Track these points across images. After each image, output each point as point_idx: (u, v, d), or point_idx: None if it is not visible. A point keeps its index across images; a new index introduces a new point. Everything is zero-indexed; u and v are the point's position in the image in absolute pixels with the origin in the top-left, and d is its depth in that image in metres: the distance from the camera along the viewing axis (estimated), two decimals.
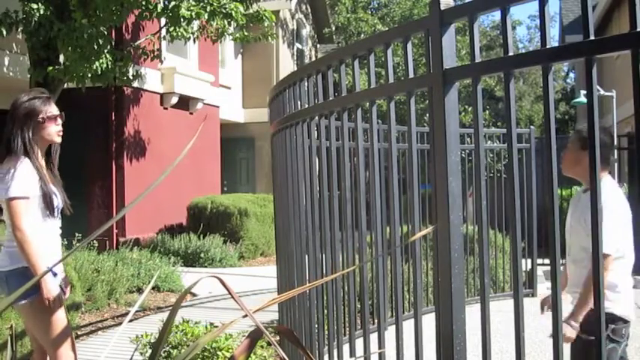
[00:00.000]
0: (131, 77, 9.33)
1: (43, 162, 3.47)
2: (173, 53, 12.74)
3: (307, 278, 3.36)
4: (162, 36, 10.05)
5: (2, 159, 3.35)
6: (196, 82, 13.28)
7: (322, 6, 20.11)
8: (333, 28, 20.41)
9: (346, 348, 2.95)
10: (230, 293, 1.28)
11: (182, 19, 8.63)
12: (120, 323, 7.21)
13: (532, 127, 9.48)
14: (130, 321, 6.98)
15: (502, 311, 6.39)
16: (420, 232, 2.20)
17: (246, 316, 1.16)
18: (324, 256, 3.10)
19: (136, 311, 7.63)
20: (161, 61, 10.50)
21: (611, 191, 2.88)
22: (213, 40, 10.50)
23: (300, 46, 19.69)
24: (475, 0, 1.87)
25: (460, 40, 15.90)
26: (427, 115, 2.25)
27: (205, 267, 11.12)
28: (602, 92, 10.57)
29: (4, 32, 7.85)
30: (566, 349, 4.04)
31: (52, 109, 3.46)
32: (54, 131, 3.46)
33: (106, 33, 8.34)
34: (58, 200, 3.47)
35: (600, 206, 1.62)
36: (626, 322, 2.99)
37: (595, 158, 1.62)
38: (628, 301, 2.99)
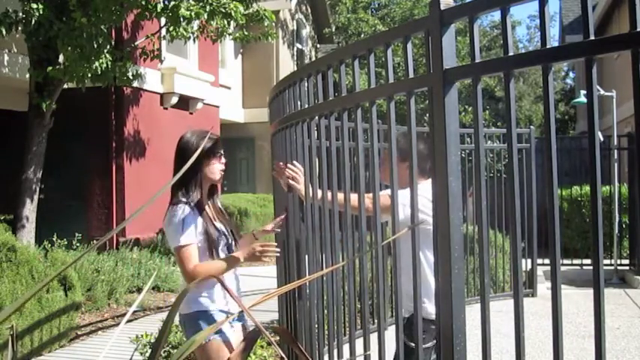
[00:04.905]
0: (131, 77, 9.32)
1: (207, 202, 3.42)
2: (173, 53, 12.74)
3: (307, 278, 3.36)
4: (162, 36, 10.04)
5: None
6: (196, 82, 13.28)
7: (322, 6, 20.10)
8: (334, 29, 20.41)
9: (346, 348, 2.95)
10: (229, 292, 1.28)
11: (182, 19, 8.62)
12: (119, 323, 7.21)
13: (532, 127, 9.48)
14: (130, 321, 6.98)
15: (502, 311, 6.40)
16: (399, 233, 2.20)
17: (241, 311, 1.16)
18: (323, 256, 3.10)
19: (136, 311, 7.63)
20: (161, 61, 10.49)
21: (420, 197, 2.52)
22: (213, 40, 10.49)
23: (300, 47, 19.68)
24: (475, 0, 1.87)
25: (460, 41, 15.92)
26: (427, 115, 2.24)
27: None
28: (602, 92, 10.55)
29: (4, 32, 7.84)
30: (568, 349, 4.02)
31: (218, 147, 3.42)
32: (218, 169, 3.41)
33: (105, 33, 8.33)
34: (227, 239, 3.42)
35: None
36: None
37: (595, 158, 1.62)
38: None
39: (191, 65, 13.68)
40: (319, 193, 2.99)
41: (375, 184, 2.42)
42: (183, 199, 3.27)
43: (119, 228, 1.10)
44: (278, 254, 3.34)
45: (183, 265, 3.21)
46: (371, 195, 2.45)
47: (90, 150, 11.29)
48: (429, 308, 2.83)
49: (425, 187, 2.93)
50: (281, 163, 3.46)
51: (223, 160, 3.44)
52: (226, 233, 3.42)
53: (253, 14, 9.59)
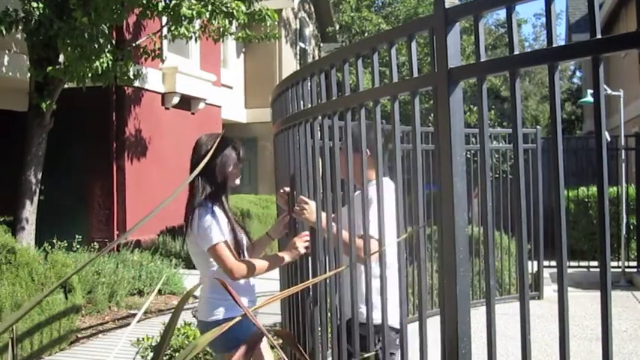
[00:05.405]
0: (132, 77, 9.30)
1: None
2: (174, 52, 12.72)
3: (309, 279, 3.33)
4: (163, 35, 10.03)
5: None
6: (198, 82, 13.26)
7: (325, 5, 20.09)
8: (337, 27, 20.39)
9: None
10: (231, 295, 1.25)
11: (183, 18, 8.59)
12: (120, 326, 7.19)
13: (538, 127, 9.42)
14: (130, 323, 6.96)
15: (508, 314, 6.36)
16: (403, 235, 2.16)
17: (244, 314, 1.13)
18: (326, 257, 3.07)
19: (137, 314, 7.61)
20: (162, 61, 10.47)
21: (384, 191, 2.40)
22: (215, 40, 10.46)
23: (303, 46, 19.66)
24: None
25: (465, 40, 15.88)
26: (432, 114, 2.21)
27: None
28: (609, 92, 10.50)
29: (4, 31, 7.81)
30: (575, 352, 3.98)
31: (242, 154, 3.50)
32: (238, 176, 3.51)
33: (106, 32, 8.30)
34: (246, 241, 3.47)
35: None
36: (398, 331, 2.56)
37: (602, 159, 1.59)
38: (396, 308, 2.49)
39: (193, 65, 13.67)
40: (324, 219, 2.93)
41: (379, 184, 2.38)
42: (212, 202, 3.31)
43: (128, 233, 1.07)
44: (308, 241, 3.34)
45: (224, 261, 3.22)
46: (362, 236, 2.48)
47: (90, 150, 11.27)
48: (366, 313, 2.66)
49: (387, 191, 2.58)
50: (286, 189, 3.47)
51: (240, 165, 3.51)
52: (244, 235, 3.49)
53: (255, 13, 9.53)
